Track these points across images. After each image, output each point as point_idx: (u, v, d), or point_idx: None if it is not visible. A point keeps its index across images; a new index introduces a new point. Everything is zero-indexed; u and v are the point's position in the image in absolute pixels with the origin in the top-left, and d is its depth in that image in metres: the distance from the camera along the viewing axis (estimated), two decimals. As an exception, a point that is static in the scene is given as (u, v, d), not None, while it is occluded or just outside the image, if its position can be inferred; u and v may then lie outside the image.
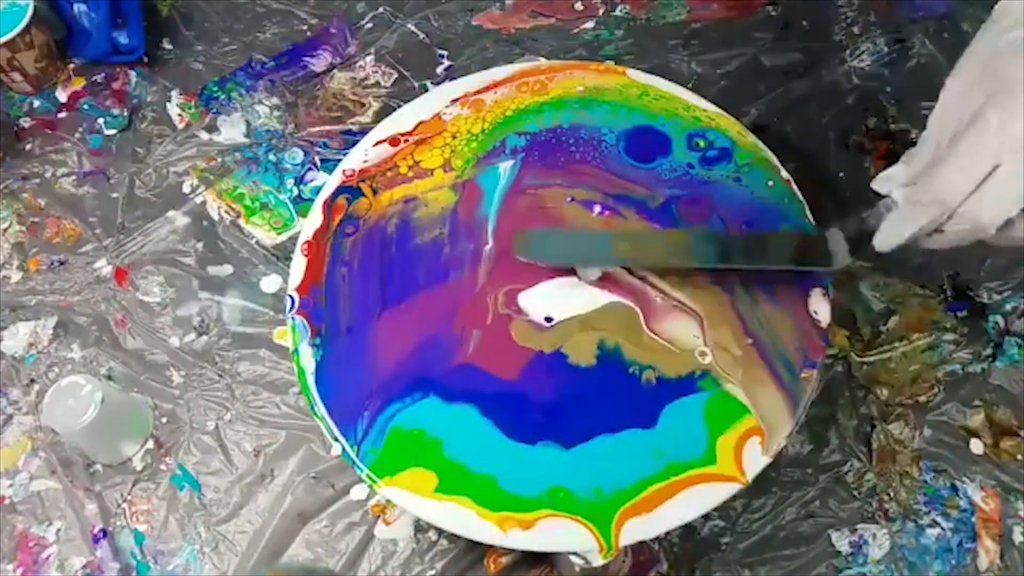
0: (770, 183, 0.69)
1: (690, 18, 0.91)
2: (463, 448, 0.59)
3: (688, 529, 0.65)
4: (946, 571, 0.64)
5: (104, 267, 0.77)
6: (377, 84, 0.87)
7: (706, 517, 0.65)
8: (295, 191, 0.80)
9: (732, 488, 0.57)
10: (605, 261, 0.64)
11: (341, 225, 0.68)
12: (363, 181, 0.69)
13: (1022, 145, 0.46)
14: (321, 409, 0.60)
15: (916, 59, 0.87)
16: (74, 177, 0.82)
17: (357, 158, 0.71)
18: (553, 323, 0.63)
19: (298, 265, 0.66)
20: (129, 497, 0.68)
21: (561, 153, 0.70)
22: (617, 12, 0.91)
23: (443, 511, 0.57)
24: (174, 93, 0.86)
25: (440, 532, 0.66)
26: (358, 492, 0.68)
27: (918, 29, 0.88)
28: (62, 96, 0.87)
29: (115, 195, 0.81)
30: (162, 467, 0.69)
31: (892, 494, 0.67)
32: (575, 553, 0.58)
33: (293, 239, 0.76)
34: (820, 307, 0.63)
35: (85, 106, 0.86)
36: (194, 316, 0.75)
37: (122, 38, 0.87)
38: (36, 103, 0.86)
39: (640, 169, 0.69)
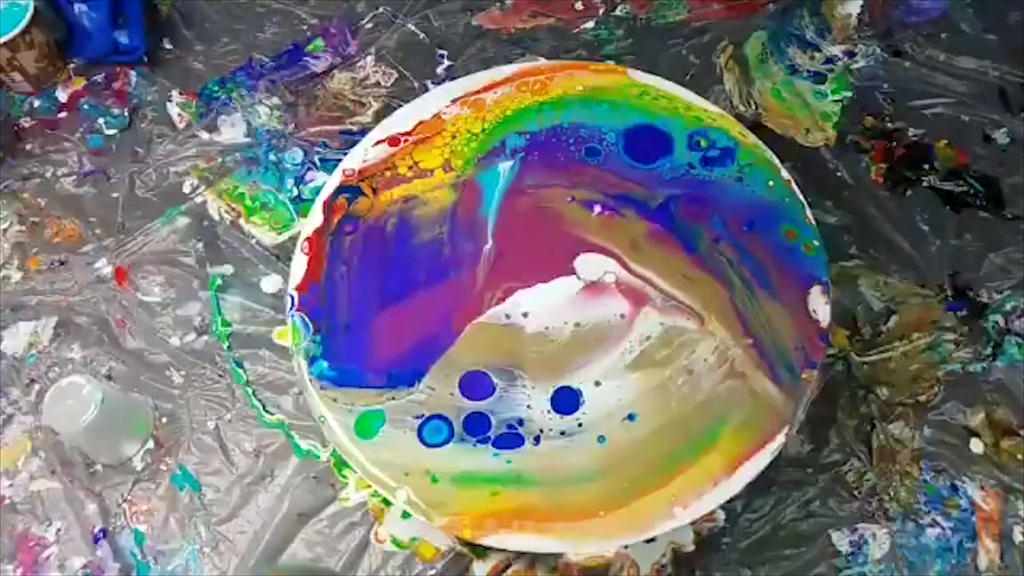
0: (770, 183, 0.68)
1: (690, 18, 0.91)
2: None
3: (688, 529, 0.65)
4: (946, 571, 0.64)
5: (104, 267, 0.77)
6: (377, 84, 0.87)
7: (706, 517, 0.65)
8: (295, 191, 0.80)
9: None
10: None
11: (341, 224, 0.68)
12: (363, 181, 0.69)
13: None
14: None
15: (912, 59, 0.87)
16: (74, 177, 0.82)
17: (357, 158, 0.71)
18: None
19: (298, 263, 0.66)
20: (129, 497, 0.68)
21: (561, 153, 0.70)
22: (617, 12, 0.91)
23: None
24: (174, 93, 0.86)
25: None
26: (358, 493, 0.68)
27: (914, 29, 0.88)
28: (62, 96, 0.87)
29: (115, 195, 0.81)
30: (162, 467, 0.69)
31: (892, 494, 0.67)
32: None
33: (293, 239, 0.76)
34: (820, 307, 0.63)
35: (85, 106, 0.86)
36: (194, 316, 0.75)
37: (122, 38, 0.87)
38: (36, 103, 0.86)
39: (640, 169, 0.69)
